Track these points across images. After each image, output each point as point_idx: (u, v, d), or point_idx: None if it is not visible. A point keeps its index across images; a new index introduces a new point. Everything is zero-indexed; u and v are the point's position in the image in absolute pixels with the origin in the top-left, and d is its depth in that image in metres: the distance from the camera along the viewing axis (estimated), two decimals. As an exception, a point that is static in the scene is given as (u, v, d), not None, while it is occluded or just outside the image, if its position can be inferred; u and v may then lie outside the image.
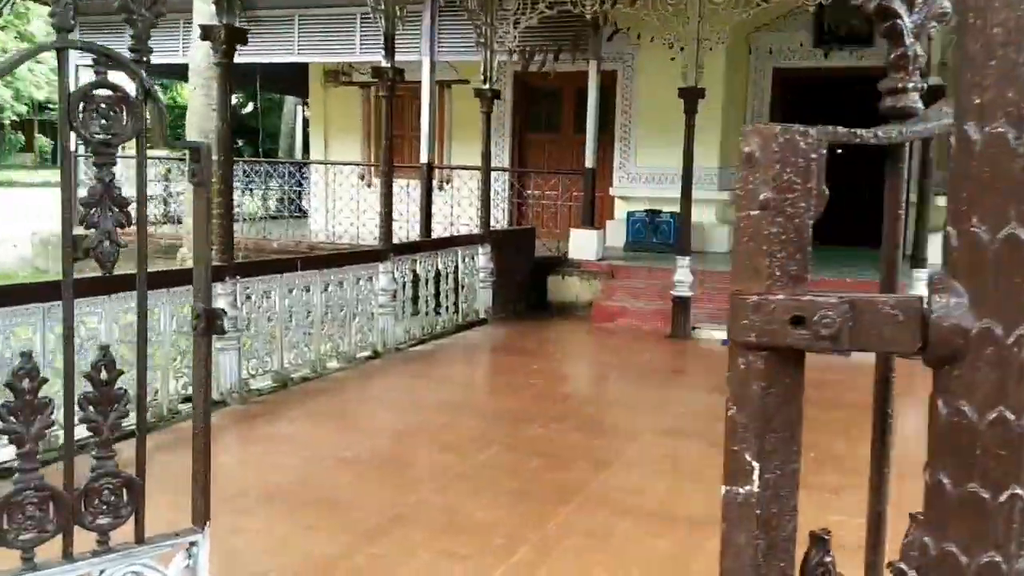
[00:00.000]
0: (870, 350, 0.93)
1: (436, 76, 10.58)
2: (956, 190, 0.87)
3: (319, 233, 12.86)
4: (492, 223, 10.67)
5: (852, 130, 0.96)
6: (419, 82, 10.16)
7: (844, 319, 0.89)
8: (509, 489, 4.37)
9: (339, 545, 3.63)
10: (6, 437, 1.83)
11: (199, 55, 10.47)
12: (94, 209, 1.83)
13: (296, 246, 11.59)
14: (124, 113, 1.87)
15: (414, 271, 8.14)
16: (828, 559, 1.10)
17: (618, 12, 9.84)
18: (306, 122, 20.62)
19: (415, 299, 8.15)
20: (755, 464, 0.97)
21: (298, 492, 4.27)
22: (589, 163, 10.22)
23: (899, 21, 0.99)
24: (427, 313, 8.29)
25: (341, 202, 12.59)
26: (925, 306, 0.87)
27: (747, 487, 0.98)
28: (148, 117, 1.91)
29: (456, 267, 8.86)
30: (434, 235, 10.68)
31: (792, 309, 0.92)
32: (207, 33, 5.86)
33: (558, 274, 10.02)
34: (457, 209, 11.12)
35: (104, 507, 1.92)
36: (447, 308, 8.64)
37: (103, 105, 1.85)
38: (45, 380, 1.83)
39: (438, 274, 8.55)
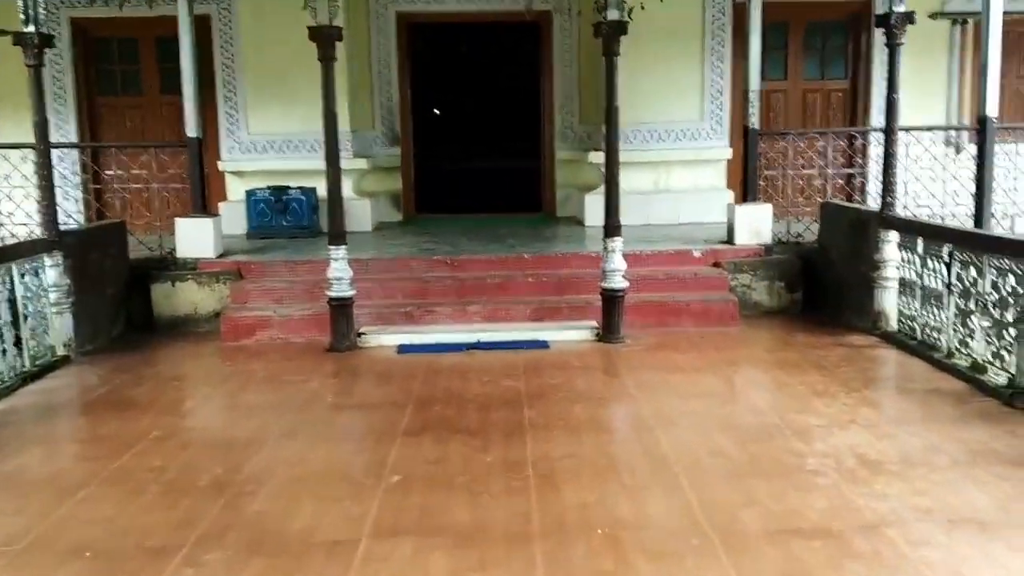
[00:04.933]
0: None
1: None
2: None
3: None
4: (63, 220, 7.86)
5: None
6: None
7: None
8: None
9: None
10: None
11: None
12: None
13: None
14: None
15: (-61, 307, 5.32)
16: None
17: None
18: None
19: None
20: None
21: None
22: (191, 131, 7.80)
23: None
24: (-29, 365, 5.53)
25: None
26: None
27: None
28: None
29: (12, 289, 6.11)
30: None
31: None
32: None
33: (166, 280, 7.56)
34: (7, 204, 8.05)
35: None
36: (3, 352, 5.90)
37: None
38: None
39: (-18, 305, 5.77)
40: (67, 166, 9.39)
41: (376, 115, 10.54)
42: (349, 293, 6.72)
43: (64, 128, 9.84)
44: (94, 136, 9.94)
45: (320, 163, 6.87)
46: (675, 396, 5.35)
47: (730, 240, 8.01)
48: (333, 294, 6.70)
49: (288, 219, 9.29)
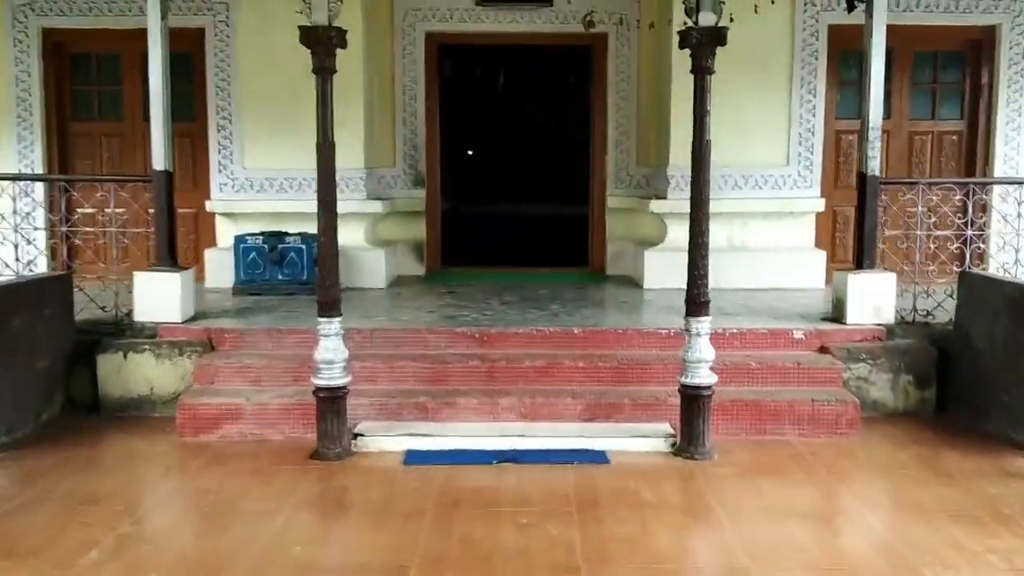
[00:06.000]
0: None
1: None
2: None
3: None
4: (19, 264, 6.32)
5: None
6: None
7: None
8: None
9: None
10: None
11: None
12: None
13: None
14: None
15: None
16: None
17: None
18: None
19: None
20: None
21: None
22: (159, 164, 6.22)
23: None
24: None
25: None
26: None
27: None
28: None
29: None
30: None
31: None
32: None
33: (116, 350, 5.91)
34: (-69, 248, 6.49)
35: None
36: None
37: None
38: None
39: None
40: (28, 203, 7.79)
41: (398, 151, 8.98)
42: (342, 381, 5.03)
43: (29, 157, 8.34)
44: (63, 168, 8.42)
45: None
46: (811, 574, 3.56)
47: (838, 318, 6.24)
48: (322, 382, 5.01)
49: (284, 272, 7.66)
